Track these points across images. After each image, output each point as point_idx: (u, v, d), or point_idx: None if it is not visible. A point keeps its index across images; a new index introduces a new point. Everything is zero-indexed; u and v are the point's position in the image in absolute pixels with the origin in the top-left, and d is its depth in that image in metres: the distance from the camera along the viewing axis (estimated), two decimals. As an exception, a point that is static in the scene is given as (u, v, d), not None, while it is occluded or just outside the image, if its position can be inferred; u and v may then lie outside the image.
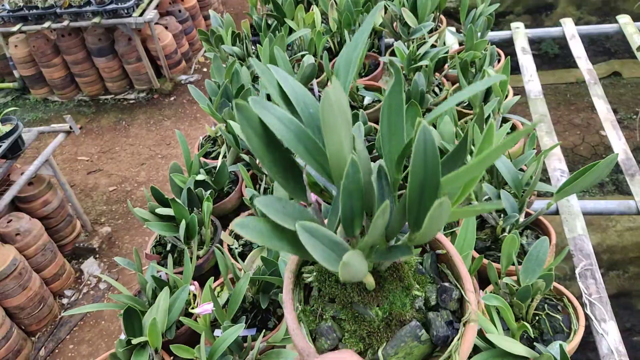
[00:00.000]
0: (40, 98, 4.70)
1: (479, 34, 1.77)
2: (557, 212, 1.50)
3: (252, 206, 1.35)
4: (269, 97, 1.51)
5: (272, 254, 1.18)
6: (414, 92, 1.50)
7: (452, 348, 0.54)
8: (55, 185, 3.04)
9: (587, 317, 1.21)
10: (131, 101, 4.54)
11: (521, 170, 1.29)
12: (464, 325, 0.56)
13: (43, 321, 2.77)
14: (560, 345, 0.93)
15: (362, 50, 0.55)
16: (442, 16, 2.14)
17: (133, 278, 2.98)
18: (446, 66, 1.75)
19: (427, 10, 1.81)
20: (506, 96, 1.53)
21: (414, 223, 0.48)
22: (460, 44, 2.13)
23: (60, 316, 2.85)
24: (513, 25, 2.37)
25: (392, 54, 1.81)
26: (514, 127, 1.56)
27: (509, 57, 1.46)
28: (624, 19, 2.32)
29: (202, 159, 1.64)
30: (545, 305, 1.09)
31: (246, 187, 1.39)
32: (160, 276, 1.28)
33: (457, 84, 1.72)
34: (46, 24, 4.03)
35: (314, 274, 0.60)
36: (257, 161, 1.48)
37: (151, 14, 4.00)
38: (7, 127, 2.64)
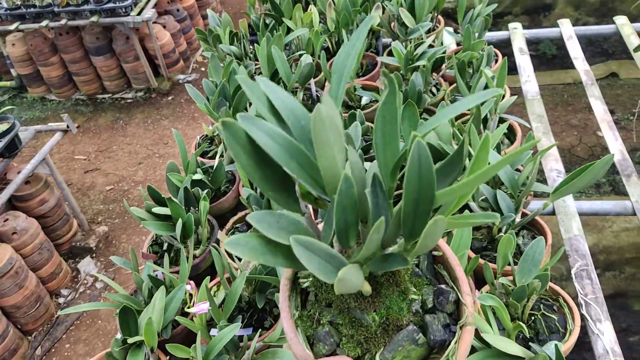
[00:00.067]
0: (38, 97, 4.69)
1: (477, 34, 1.77)
2: (553, 213, 1.50)
3: (248, 205, 1.35)
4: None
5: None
6: (411, 92, 1.50)
7: (449, 352, 0.54)
8: (52, 184, 3.04)
9: (582, 317, 1.21)
10: (129, 100, 4.54)
11: (518, 170, 1.29)
12: (461, 328, 0.56)
13: (39, 320, 2.76)
14: (556, 345, 0.93)
15: (354, 61, 0.55)
16: (439, 16, 2.14)
17: (129, 277, 2.98)
18: (444, 66, 1.75)
19: (425, 10, 1.81)
20: (503, 96, 1.53)
21: (409, 234, 0.49)
22: (458, 44, 2.13)
23: (57, 315, 2.85)
24: (511, 25, 2.38)
25: (390, 53, 1.81)
26: (511, 128, 1.56)
27: (506, 57, 1.46)
28: (621, 20, 2.33)
29: (199, 159, 1.64)
30: (541, 305, 1.09)
31: (243, 186, 1.39)
32: (156, 275, 1.27)
33: (455, 84, 1.72)
34: (44, 23, 4.02)
35: (310, 279, 0.60)
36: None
37: (149, 13, 4.00)
38: (4, 126, 2.63)
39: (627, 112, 3.35)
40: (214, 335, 1.06)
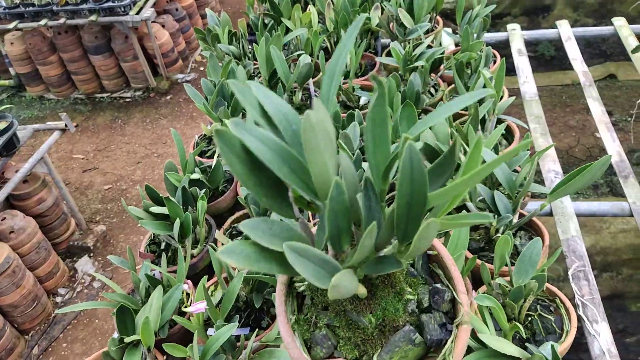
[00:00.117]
0: (36, 96, 4.68)
1: (475, 35, 1.77)
2: (551, 214, 1.50)
3: (246, 205, 1.35)
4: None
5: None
6: (410, 93, 1.50)
7: (446, 350, 0.55)
8: (50, 183, 3.03)
9: (579, 318, 1.21)
10: (127, 99, 4.53)
11: (515, 171, 1.30)
12: (457, 327, 0.56)
13: (36, 319, 2.76)
14: (552, 346, 0.93)
15: (345, 62, 0.55)
16: (438, 17, 2.14)
17: (127, 277, 2.98)
18: (442, 67, 1.75)
19: (424, 11, 1.81)
20: (501, 97, 1.53)
21: (402, 237, 0.49)
22: (457, 45, 2.13)
23: (54, 314, 2.85)
24: (509, 26, 2.38)
25: (389, 54, 1.81)
26: (508, 129, 1.56)
27: (504, 58, 1.46)
28: (619, 22, 2.33)
29: (198, 158, 1.64)
30: (538, 306, 1.09)
31: (241, 186, 1.39)
32: (154, 275, 1.27)
33: (453, 85, 1.72)
34: (42, 22, 4.02)
35: (306, 283, 0.60)
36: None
37: (148, 12, 4.00)
38: (2, 125, 2.63)
39: (625, 114, 3.36)
40: (211, 335, 1.06)
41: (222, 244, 1.38)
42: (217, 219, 1.51)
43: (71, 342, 2.75)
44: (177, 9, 4.68)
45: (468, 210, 1.23)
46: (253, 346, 1.09)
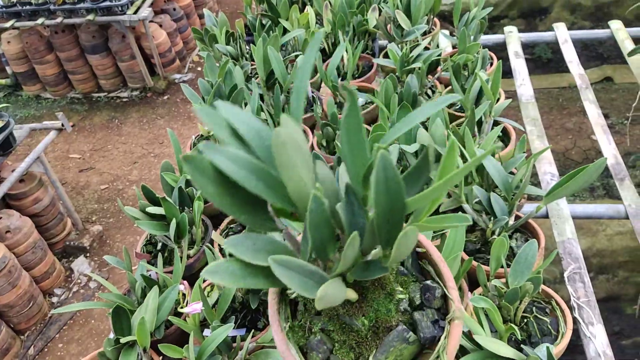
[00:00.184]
0: (33, 95, 4.67)
1: (472, 37, 1.78)
2: (547, 216, 1.51)
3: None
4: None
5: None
6: (407, 95, 1.50)
7: (439, 348, 0.55)
8: (46, 183, 3.03)
9: (575, 320, 1.21)
10: (124, 99, 4.53)
11: (511, 173, 1.30)
12: (449, 323, 0.56)
13: (32, 320, 2.75)
14: (547, 348, 0.93)
15: (309, 76, 0.54)
16: (435, 19, 2.15)
17: (124, 277, 2.97)
18: (439, 69, 1.75)
19: (421, 12, 1.82)
20: (498, 99, 1.54)
21: (385, 243, 0.49)
22: (454, 47, 2.14)
23: (50, 315, 2.84)
24: (506, 29, 2.39)
25: (386, 55, 1.81)
26: (505, 131, 1.56)
27: (500, 60, 1.47)
28: (615, 25, 2.34)
29: (194, 158, 1.64)
30: (534, 308, 1.10)
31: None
32: (150, 275, 1.27)
33: (450, 87, 1.72)
34: (39, 21, 4.01)
35: None
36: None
37: (145, 11, 3.99)
38: (-2, 124, 2.62)
39: (622, 116, 3.37)
40: (207, 336, 1.05)
41: (219, 245, 1.38)
42: (213, 220, 1.51)
43: (67, 343, 2.74)
44: (174, 9, 4.68)
45: (464, 212, 1.23)
46: (249, 347, 1.09)
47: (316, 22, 2.05)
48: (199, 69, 4.76)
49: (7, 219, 2.65)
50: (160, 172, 1.47)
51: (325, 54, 2.08)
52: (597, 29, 2.45)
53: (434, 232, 1.16)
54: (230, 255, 0.48)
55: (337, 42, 2.02)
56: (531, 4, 3.96)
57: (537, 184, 1.69)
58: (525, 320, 1.07)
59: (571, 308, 1.23)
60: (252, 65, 1.97)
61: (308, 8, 2.01)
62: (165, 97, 4.48)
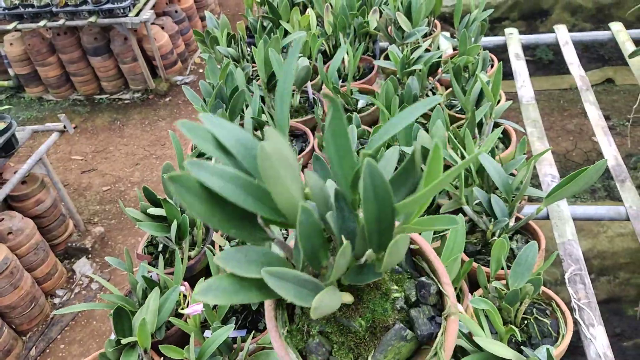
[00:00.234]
0: (35, 97, 4.68)
1: (473, 39, 1.78)
2: (547, 217, 1.51)
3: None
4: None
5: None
6: (407, 96, 1.51)
7: (437, 344, 0.55)
8: (48, 185, 3.03)
9: (575, 322, 1.21)
10: (126, 101, 4.54)
11: (512, 174, 1.30)
12: (446, 319, 0.57)
13: (34, 321, 2.76)
14: (547, 350, 0.93)
15: (291, 83, 0.54)
16: (436, 21, 2.15)
17: (125, 278, 2.97)
18: (440, 70, 1.76)
19: (422, 14, 1.82)
20: (498, 101, 1.54)
21: (377, 247, 0.50)
22: (455, 48, 2.14)
23: (51, 316, 2.84)
24: (507, 31, 2.39)
25: (387, 57, 1.82)
26: (505, 132, 1.57)
27: (501, 62, 1.47)
28: (616, 27, 2.34)
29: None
30: (534, 309, 1.10)
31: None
32: (151, 276, 1.28)
33: (451, 88, 1.73)
34: (42, 23, 4.02)
35: None
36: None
37: (147, 14, 4.00)
38: (1, 126, 2.63)
39: (623, 118, 3.37)
40: (208, 337, 1.06)
41: (220, 246, 1.38)
42: (214, 221, 1.51)
43: (69, 344, 2.75)
44: (176, 11, 4.69)
45: (464, 214, 1.23)
46: (249, 348, 1.09)
47: (317, 24, 2.05)
48: (201, 70, 4.77)
49: (9, 221, 2.66)
50: (162, 174, 1.47)
51: (326, 56, 2.08)
52: (598, 31, 2.45)
53: (434, 233, 1.16)
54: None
55: (338, 44, 2.03)
56: (532, 6, 3.97)
57: (537, 185, 1.69)
58: (526, 322, 1.07)
59: (572, 309, 1.23)
60: (253, 67, 1.98)
61: (309, 10, 2.02)
62: (167, 99, 4.49)
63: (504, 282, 1.06)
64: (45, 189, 2.97)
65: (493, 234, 1.22)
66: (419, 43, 1.83)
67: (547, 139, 1.78)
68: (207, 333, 1.11)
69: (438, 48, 1.93)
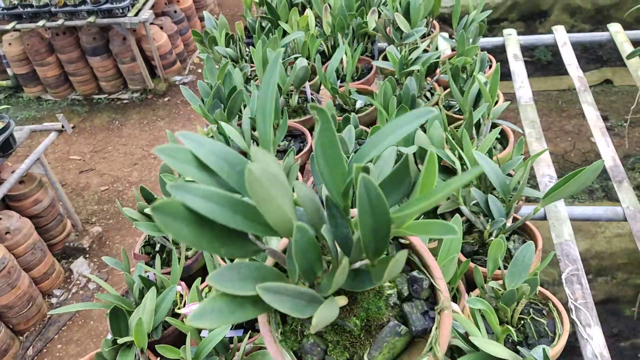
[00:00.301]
0: (34, 96, 4.68)
1: (471, 40, 1.78)
2: (544, 218, 1.51)
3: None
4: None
5: (261, 257, 1.18)
6: (405, 97, 1.51)
7: (432, 339, 0.56)
8: (46, 184, 3.03)
9: (572, 322, 1.21)
10: (125, 101, 4.53)
11: (509, 175, 1.30)
12: (439, 313, 0.57)
13: (31, 320, 2.75)
14: (544, 350, 0.93)
15: (273, 103, 0.53)
16: (435, 22, 2.15)
17: (123, 278, 2.97)
18: (438, 71, 1.76)
19: (420, 15, 1.82)
20: (496, 102, 1.54)
21: (372, 255, 0.50)
22: (453, 49, 2.14)
23: (49, 315, 2.84)
24: (505, 31, 2.39)
25: (385, 58, 1.82)
26: (503, 133, 1.57)
27: (499, 63, 1.47)
28: (614, 28, 2.35)
29: (193, 160, 1.64)
30: (531, 309, 1.10)
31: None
32: (148, 276, 1.27)
33: (449, 89, 1.73)
34: (41, 23, 4.02)
35: None
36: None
37: (146, 14, 4.00)
38: (-1, 125, 2.63)
39: (621, 119, 3.37)
40: (204, 337, 1.06)
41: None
42: (212, 221, 1.51)
43: (66, 344, 2.74)
44: (175, 11, 4.69)
45: (462, 214, 1.23)
46: (246, 348, 1.09)
47: (316, 25, 2.05)
48: (200, 70, 4.77)
49: (6, 220, 2.65)
50: (159, 174, 1.47)
51: (325, 56, 2.09)
52: (596, 32, 2.45)
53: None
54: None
55: (337, 45, 2.03)
56: (531, 7, 3.97)
57: (535, 186, 1.69)
58: (522, 322, 1.07)
59: (569, 310, 1.24)
60: (251, 67, 1.98)
61: (308, 11, 2.02)
62: (166, 99, 4.48)
63: (500, 282, 1.06)
64: (43, 189, 2.96)
65: (490, 234, 1.22)
66: (417, 44, 1.83)
67: (546, 139, 1.78)
68: (203, 333, 1.11)
69: (436, 49, 1.93)
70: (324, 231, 0.49)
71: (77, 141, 4.18)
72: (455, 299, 1.13)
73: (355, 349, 0.56)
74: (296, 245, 0.46)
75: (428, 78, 1.74)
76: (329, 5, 2.03)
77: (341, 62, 1.90)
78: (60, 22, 4.01)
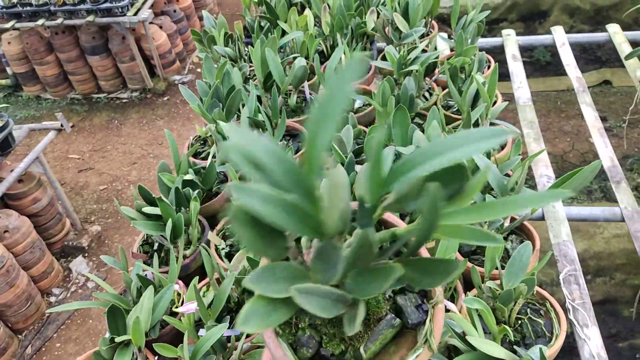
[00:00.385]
0: (33, 95, 4.68)
1: (469, 40, 1.78)
2: (542, 218, 1.51)
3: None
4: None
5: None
6: (404, 97, 1.51)
7: (426, 332, 0.56)
8: (45, 183, 3.03)
9: (570, 322, 1.22)
10: (124, 100, 4.53)
11: (507, 175, 1.30)
12: (433, 307, 0.58)
13: (30, 319, 2.75)
14: (540, 350, 0.93)
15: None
16: (433, 22, 2.16)
17: (122, 277, 2.97)
18: (436, 71, 1.76)
19: (419, 15, 1.83)
20: (494, 102, 1.54)
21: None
22: (452, 49, 2.14)
23: (47, 314, 2.84)
24: (504, 32, 2.39)
25: (384, 58, 1.82)
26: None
27: (497, 63, 1.47)
28: (613, 28, 2.35)
29: (192, 159, 1.64)
30: (528, 309, 1.10)
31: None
32: (145, 275, 1.28)
33: (447, 89, 1.73)
34: (40, 22, 4.02)
35: None
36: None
37: (145, 13, 4.00)
38: (-2, 124, 2.63)
39: (620, 119, 3.38)
40: (202, 335, 1.06)
41: (215, 245, 1.38)
42: (210, 220, 1.51)
43: (65, 342, 2.74)
44: (175, 11, 4.69)
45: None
46: (244, 347, 1.09)
47: (315, 25, 2.05)
48: (199, 70, 4.76)
49: (5, 219, 2.65)
50: (157, 173, 1.47)
51: (324, 56, 2.09)
52: (595, 33, 2.46)
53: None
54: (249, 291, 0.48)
55: (336, 45, 2.03)
56: (530, 7, 3.97)
57: (533, 186, 1.69)
58: (520, 322, 1.07)
59: (566, 310, 1.24)
60: (250, 67, 1.98)
61: (307, 10, 2.02)
62: (165, 98, 4.48)
63: (498, 282, 1.06)
64: (42, 188, 2.96)
65: (488, 234, 1.22)
66: (416, 44, 1.83)
67: (544, 140, 1.79)
68: (201, 332, 1.11)
69: (435, 49, 1.93)
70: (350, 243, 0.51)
71: (76, 140, 4.18)
72: (452, 298, 1.13)
73: (353, 341, 0.57)
74: (355, 251, 0.48)
75: (427, 78, 1.74)
76: (328, 5, 2.03)
77: (340, 61, 1.90)
78: (59, 21, 4.01)
